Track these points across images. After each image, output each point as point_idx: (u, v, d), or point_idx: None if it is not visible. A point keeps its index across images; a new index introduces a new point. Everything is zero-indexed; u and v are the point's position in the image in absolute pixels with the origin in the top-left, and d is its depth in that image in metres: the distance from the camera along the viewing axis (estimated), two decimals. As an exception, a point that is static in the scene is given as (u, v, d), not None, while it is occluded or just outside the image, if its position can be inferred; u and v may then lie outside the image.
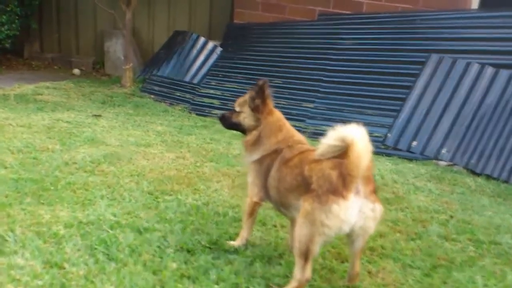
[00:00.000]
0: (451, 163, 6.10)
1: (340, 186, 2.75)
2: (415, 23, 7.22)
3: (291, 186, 3.08)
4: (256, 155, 3.35)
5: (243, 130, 3.46)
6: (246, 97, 3.38)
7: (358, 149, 2.70)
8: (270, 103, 3.35)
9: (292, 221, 3.45)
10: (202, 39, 8.67)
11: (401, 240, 3.84)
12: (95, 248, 3.30)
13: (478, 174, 5.86)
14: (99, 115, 6.85)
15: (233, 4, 9.15)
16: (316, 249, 2.87)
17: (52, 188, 4.19)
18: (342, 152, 2.83)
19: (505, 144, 5.97)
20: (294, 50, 7.89)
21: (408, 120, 6.51)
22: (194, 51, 8.61)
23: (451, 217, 4.41)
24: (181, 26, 9.59)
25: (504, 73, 6.27)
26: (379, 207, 2.86)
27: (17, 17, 9.24)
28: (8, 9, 9.05)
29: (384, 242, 3.77)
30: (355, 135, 2.71)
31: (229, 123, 3.51)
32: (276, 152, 3.26)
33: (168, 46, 9.09)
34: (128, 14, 8.42)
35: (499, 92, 6.23)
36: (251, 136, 3.37)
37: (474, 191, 5.26)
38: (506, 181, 5.70)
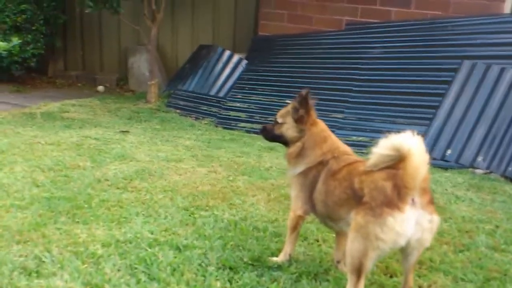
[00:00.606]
0: (487, 171, 5.92)
1: (395, 198, 2.62)
2: (446, 30, 7.09)
3: (340, 199, 2.96)
4: (300, 168, 3.24)
5: (285, 142, 3.36)
6: (289, 108, 3.29)
7: (416, 159, 2.57)
8: (314, 113, 3.25)
9: (338, 234, 3.34)
10: (227, 52, 8.62)
11: (449, 252, 3.69)
12: (135, 268, 3.21)
13: (518, 182, 5.67)
14: (127, 131, 6.81)
15: (257, 16, 9.10)
16: (369, 264, 2.74)
17: (86, 206, 4.13)
18: (395, 163, 2.71)
19: (545, 150, 5.79)
20: (322, 61, 7.79)
21: (442, 128, 6.35)
22: (220, 65, 8.55)
23: (497, 227, 4.24)
24: (205, 40, 9.56)
25: (540, 77, 6.10)
26: (436, 218, 2.72)
27: (42, 36, 9.31)
28: (34, 28, 9.12)
29: (432, 254, 3.62)
30: (412, 145, 2.58)
31: (272, 135, 3.42)
32: (322, 163, 3.15)
33: (193, 60, 9.05)
34: (153, 29, 8.41)
35: (536, 96, 6.05)
36: (294, 148, 3.27)
37: (516, 200, 5.07)
38: (547, 189, 5.51)
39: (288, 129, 3.28)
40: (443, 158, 6.19)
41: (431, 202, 2.73)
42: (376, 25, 7.78)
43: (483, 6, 7.00)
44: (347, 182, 2.93)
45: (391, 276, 3.33)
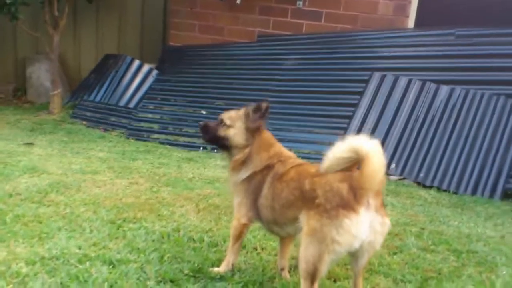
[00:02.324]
0: (401, 177, 6.17)
1: (351, 200, 2.59)
2: (355, 43, 7.34)
3: (288, 201, 2.89)
4: (244, 174, 3.13)
5: (226, 145, 3.22)
6: (240, 113, 3.17)
7: (375, 161, 2.54)
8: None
9: (282, 241, 3.26)
10: (136, 62, 8.33)
11: (385, 254, 3.73)
12: (68, 286, 2.92)
13: (429, 187, 5.96)
14: (32, 143, 6.33)
15: (165, 26, 8.91)
16: (324, 269, 2.67)
17: (-1, 222, 3.72)
18: (349, 165, 2.68)
19: (451, 156, 6.14)
20: (236, 72, 7.77)
21: (356, 137, 6.52)
22: (129, 75, 8.24)
23: (423, 229, 4.39)
24: (110, 49, 9.18)
25: (444, 89, 6.48)
26: (388, 222, 2.71)
27: None
28: None
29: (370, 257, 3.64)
30: (370, 147, 2.56)
31: (213, 136, 3.25)
32: (268, 167, 3.06)
33: (99, 70, 8.65)
34: (56, 37, 7.94)
35: (441, 107, 6.41)
36: (241, 155, 3.14)
37: (431, 203, 5.31)
38: (455, 192, 5.84)
39: (236, 134, 3.16)
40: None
41: (383, 205, 2.73)
42: (288, 37, 7.90)
43: (389, 20, 7.35)
44: (295, 183, 2.87)
45: (334, 281, 3.31)
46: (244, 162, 3.14)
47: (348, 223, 2.58)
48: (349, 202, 2.59)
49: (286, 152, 3.20)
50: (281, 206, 2.93)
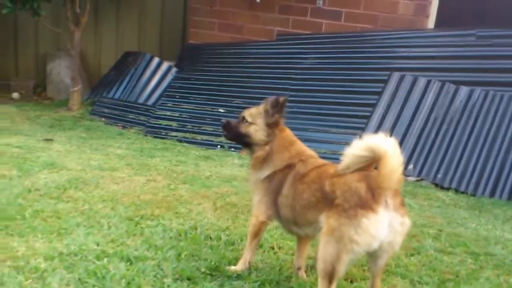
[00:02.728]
0: (419, 178, 6.13)
1: (369, 199, 2.59)
2: (374, 42, 7.30)
3: (309, 202, 2.89)
4: (266, 172, 3.14)
5: (247, 143, 3.23)
6: (261, 109, 3.18)
7: (392, 161, 2.55)
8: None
9: (299, 241, 3.26)
10: (156, 60, 8.38)
11: (402, 256, 3.72)
12: (86, 282, 2.95)
13: (446, 189, 5.91)
14: (51, 139, 6.39)
15: (185, 24, 8.95)
16: (342, 269, 2.68)
17: (18, 217, 3.77)
18: (366, 165, 2.68)
19: (469, 158, 6.08)
20: (254, 70, 7.77)
21: (374, 138, 6.50)
22: (148, 72, 8.29)
23: (440, 230, 4.36)
24: (130, 46, 9.25)
25: (463, 90, 6.42)
26: (408, 221, 2.70)
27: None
28: None
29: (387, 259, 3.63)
30: (388, 146, 2.56)
31: (235, 133, 3.26)
32: (289, 167, 3.07)
33: (119, 67, 8.72)
34: (77, 34, 8.01)
35: (460, 108, 6.35)
36: (262, 152, 3.16)
37: (449, 205, 5.28)
38: (473, 194, 5.80)
39: (257, 131, 3.17)
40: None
41: (403, 204, 2.72)
42: (307, 36, 7.89)
43: (409, 21, 7.29)
44: (317, 185, 2.87)
45: (351, 282, 3.31)
46: (265, 160, 3.16)
47: (367, 223, 2.57)
48: (367, 202, 2.59)
49: (307, 151, 3.20)
50: (302, 207, 2.94)
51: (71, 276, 2.99)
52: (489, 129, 6.15)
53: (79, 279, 2.97)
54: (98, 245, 3.44)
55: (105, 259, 3.23)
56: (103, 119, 7.89)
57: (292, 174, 3.03)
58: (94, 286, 2.92)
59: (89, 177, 4.88)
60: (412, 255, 3.79)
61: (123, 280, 2.99)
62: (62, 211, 3.97)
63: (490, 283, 3.43)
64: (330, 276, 2.68)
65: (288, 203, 3.01)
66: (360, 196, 2.61)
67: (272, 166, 3.13)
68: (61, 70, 9.14)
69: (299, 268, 3.29)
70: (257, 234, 3.20)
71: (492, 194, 5.77)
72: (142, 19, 9.41)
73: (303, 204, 2.92)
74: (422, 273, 3.50)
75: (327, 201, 2.76)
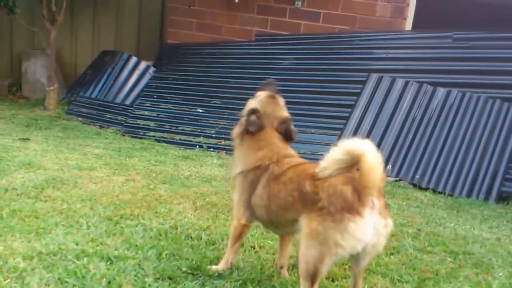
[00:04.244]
0: (397, 178, 6.19)
1: (355, 202, 2.58)
2: (353, 44, 7.36)
3: (286, 202, 2.87)
4: (237, 169, 3.15)
5: None
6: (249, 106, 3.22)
7: (370, 159, 2.54)
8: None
9: (282, 240, 3.26)
10: (134, 59, 8.31)
11: (383, 255, 3.73)
12: (66, 281, 2.90)
13: (424, 189, 5.98)
14: (27, 139, 6.28)
15: (163, 23, 8.90)
16: (325, 270, 2.67)
17: (-5, 217, 3.70)
18: (346, 168, 2.68)
19: (447, 159, 6.16)
20: (233, 70, 7.76)
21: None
22: (125, 72, 8.21)
23: (419, 230, 4.40)
24: (107, 46, 9.13)
25: (441, 91, 6.50)
26: (391, 223, 2.71)
27: None
28: None
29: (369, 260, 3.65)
30: (363, 147, 2.57)
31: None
32: (259, 168, 3.04)
33: (96, 66, 8.61)
34: (53, 32, 7.88)
35: (438, 109, 6.43)
36: (236, 145, 3.20)
37: (428, 205, 5.33)
38: (451, 195, 5.87)
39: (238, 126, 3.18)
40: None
41: (386, 206, 2.72)
42: (285, 36, 7.91)
43: (387, 22, 7.37)
44: (294, 185, 2.84)
45: (332, 280, 3.31)
46: (237, 155, 3.17)
47: (354, 227, 2.56)
48: (353, 205, 2.57)
49: (284, 151, 3.12)
50: (278, 207, 2.92)
51: (50, 275, 2.94)
52: (466, 130, 6.24)
53: (58, 278, 2.92)
54: (77, 244, 3.39)
55: (85, 259, 3.18)
56: (80, 118, 7.79)
57: (265, 175, 3.00)
58: (74, 285, 2.87)
59: (67, 177, 4.81)
60: (392, 254, 3.81)
61: (104, 279, 2.95)
62: (40, 211, 3.90)
63: (469, 281, 3.48)
64: (312, 277, 2.67)
65: (262, 204, 2.99)
66: (346, 200, 2.59)
67: (241, 165, 3.12)
68: (37, 69, 8.98)
69: (281, 267, 3.29)
70: (239, 237, 3.17)
71: (469, 195, 5.85)
72: (120, 17, 9.31)
73: (279, 204, 2.90)
74: (402, 271, 3.52)
75: (306, 202, 2.73)
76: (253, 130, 3.07)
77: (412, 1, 7.39)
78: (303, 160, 3.16)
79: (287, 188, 2.88)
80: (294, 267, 3.32)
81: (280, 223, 2.99)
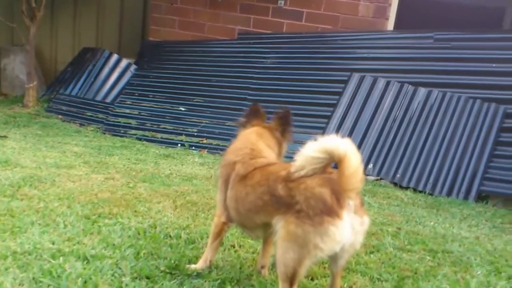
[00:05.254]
0: (378, 177, 6.20)
1: (334, 204, 2.53)
2: (335, 43, 7.36)
3: (256, 206, 2.81)
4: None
5: None
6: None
7: (353, 161, 2.48)
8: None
9: (264, 240, 3.22)
10: (115, 56, 8.23)
11: (362, 253, 3.73)
12: (40, 281, 2.85)
13: (405, 188, 6.01)
14: (5, 136, 6.19)
15: (145, 21, 8.83)
16: (303, 272, 2.64)
17: (-31, 216, 3.63)
18: (322, 167, 2.63)
19: (427, 158, 6.19)
20: (215, 69, 7.73)
21: (334, 137, 6.54)
22: (106, 69, 8.13)
23: (399, 229, 4.41)
24: (87, 43, 9.05)
25: (422, 91, 6.53)
26: (367, 219, 2.67)
27: None
28: None
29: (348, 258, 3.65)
30: (346, 147, 2.50)
31: None
32: (229, 166, 3.03)
33: (76, 63, 8.52)
34: (32, 29, 7.78)
35: (419, 109, 6.46)
36: None
37: (408, 204, 5.35)
38: (431, 194, 5.90)
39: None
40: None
41: (362, 204, 2.69)
42: (268, 35, 7.89)
43: (369, 22, 7.39)
44: (264, 188, 2.77)
45: (312, 279, 3.30)
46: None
47: (334, 230, 2.51)
48: (332, 208, 2.52)
49: (255, 151, 3.08)
50: (247, 211, 2.88)
51: (25, 275, 2.88)
52: (447, 130, 6.28)
53: (33, 278, 2.87)
54: (53, 243, 3.33)
55: (61, 258, 3.12)
56: (59, 116, 7.70)
57: (232, 176, 2.97)
58: (49, 285, 2.82)
59: (45, 175, 4.74)
60: (372, 252, 3.81)
61: (80, 279, 2.90)
62: (16, 209, 3.83)
63: (447, 279, 3.48)
64: (291, 279, 2.63)
65: (232, 206, 2.96)
66: (325, 203, 2.53)
67: (222, 161, 3.12)
68: (16, 66, 8.86)
69: (262, 267, 3.26)
70: (218, 234, 3.15)
71: (449, 194, 5.89)
72: (101, 14, 9.22)
73: (248, 208, 2.86)
74: (381, 270, 3.52)
75: (279, 205, 2.68)
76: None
77: (394, 1, 7.41)
78: (268, 161, 3.06)
79: (256, 192, 2.81)
80: (273, 266, 3.29)
81: (251, 227, 2.97)
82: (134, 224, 3.82)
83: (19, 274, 2.88)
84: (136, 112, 7.50)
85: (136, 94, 7.77)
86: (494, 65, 6.47)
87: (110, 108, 7.66)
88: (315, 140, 2.60)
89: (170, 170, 5.52)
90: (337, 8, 7.56)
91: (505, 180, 5.81)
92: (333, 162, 2.59)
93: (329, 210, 2.52)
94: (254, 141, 3.16)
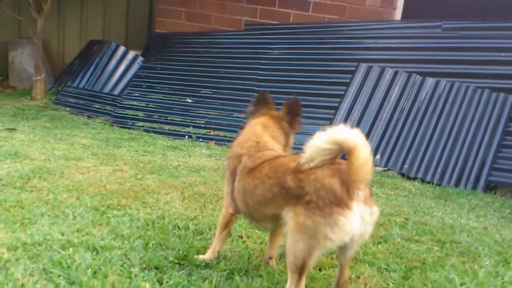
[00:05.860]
0: (385, 168, 6.19)
1: (344, 195, 2.53)
2: (342, 33, 7.33)
3: (265, 198, 2.81)
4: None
5: None
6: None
7: (363, 152, 2.48)
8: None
9: (272, 232, 3.23)
10: (122, 49, 8.24)
11: (370, 244, 3.73)
12: (51, 272, 2.86)
13: (413, 178, 6.00)
14: (14, 129, 6.22)
15: (152, 13, 8.82)
16: (313, 263, 2.64)
17: (-21, 207, 3.66)
18: (331, 158, 2.62)
19: (435, 149, 6.17)
20: (222, 60, 7.72)
21: (341, 128, 6.54)
22: (113, 61, 8.15)
23: (407, 219, 4.40)
24: (94, 35, 9.06)
25: (430, 81, 6.50)
26: (376, 210, 2.67)
27: None
28: None
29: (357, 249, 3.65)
30: (356, 138, 2.49)
31: None
32: (236, 158, 3.03)
33: (83, 56, 8.54)
34: (40, 21, 7.80)
35: (427, 99, 6.44)
36: None
37: (416, 194, 5.34)
38: (439, 184, 5.89)
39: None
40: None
41: (371, 195, 2.69)
42: (275, 26, 7.87)
43: (377, 12, 7.36)
44: (273, 180, 2.77)
45: (320, 270, 3.30)
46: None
47: (344, 221, 2.51)
48: (342, 199, 2.52)
49: (261, 144, 3.07)
50: (256, 203, 2.88)
51: (35, 266, 2.90)
52: (455, 120, 6.25)
53: (43, 269, 2.88)
54: (63, 235, 3.35)
55: (71, 249, 3.14)
56: (67, 108, 7.73)
57: (239, 168, 2.97)
58: (59, 276, 2.84)
59: (54, 167, 4.77)
60: (380, 243, 3.81)
61: (89, 269, 2.91)
62: (26, 201, 3.86)
63: (455, 270, 3.48)
64: (300, 270, 2.64)
65: (240, 198, 2.97)
66: (335, 193, 2.53)
67: (229, 153, 3.13)
68: (24, 59, 8.91)
69: (270, 258, 3.26)
70: (226, 225, 3.16)
71: (457, 184, 5.87)
72: (107, 6, 9.23)
73: (257, 200, 2.86)
74: (389, 260, 3.52)
75: (289, 197, 2.68)
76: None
77: (402, -9, 7.38)
78: (276, 153, 3.06)
79: (265, 184, 2.81)
80: (281, 256, 3.31)
81: (260, 218, 2.97)
82: (143, 215, 3.84)
83: (30, 265, 2.90)
84: (143, 104, 7.52)
85: (144, 86, 7.79)
86: (503, 54, 6.44)
87: (117, 100, 7.68)
88: (324, 131, 2.59)
89: (177, 161, 5.53)
90: (344, -2, 7.54)
91: (514, 170, 5.80)
92: (342, 153, 2.59)
93: (339, 201, 2.52)
94: (259, 133, 3.16)
